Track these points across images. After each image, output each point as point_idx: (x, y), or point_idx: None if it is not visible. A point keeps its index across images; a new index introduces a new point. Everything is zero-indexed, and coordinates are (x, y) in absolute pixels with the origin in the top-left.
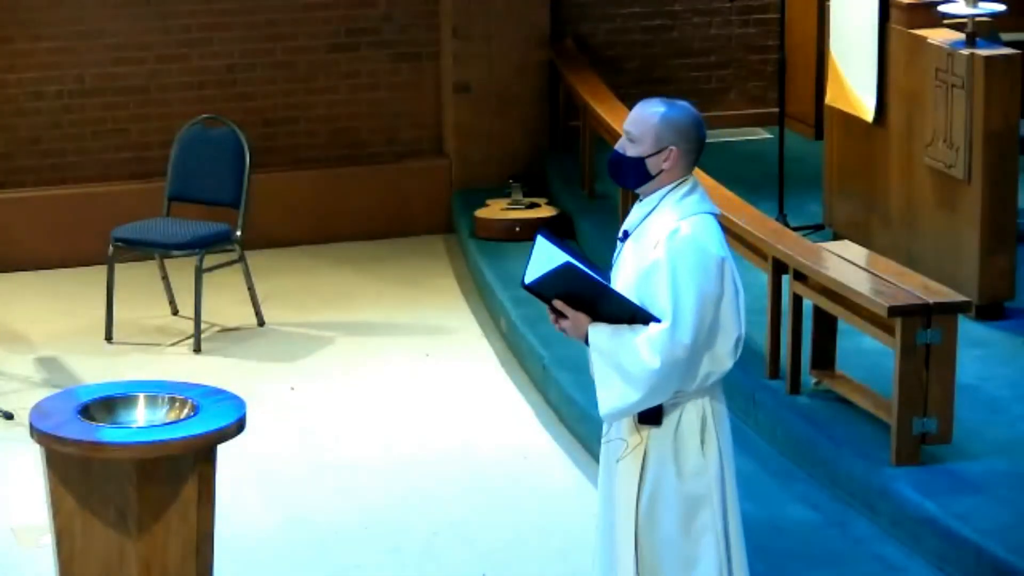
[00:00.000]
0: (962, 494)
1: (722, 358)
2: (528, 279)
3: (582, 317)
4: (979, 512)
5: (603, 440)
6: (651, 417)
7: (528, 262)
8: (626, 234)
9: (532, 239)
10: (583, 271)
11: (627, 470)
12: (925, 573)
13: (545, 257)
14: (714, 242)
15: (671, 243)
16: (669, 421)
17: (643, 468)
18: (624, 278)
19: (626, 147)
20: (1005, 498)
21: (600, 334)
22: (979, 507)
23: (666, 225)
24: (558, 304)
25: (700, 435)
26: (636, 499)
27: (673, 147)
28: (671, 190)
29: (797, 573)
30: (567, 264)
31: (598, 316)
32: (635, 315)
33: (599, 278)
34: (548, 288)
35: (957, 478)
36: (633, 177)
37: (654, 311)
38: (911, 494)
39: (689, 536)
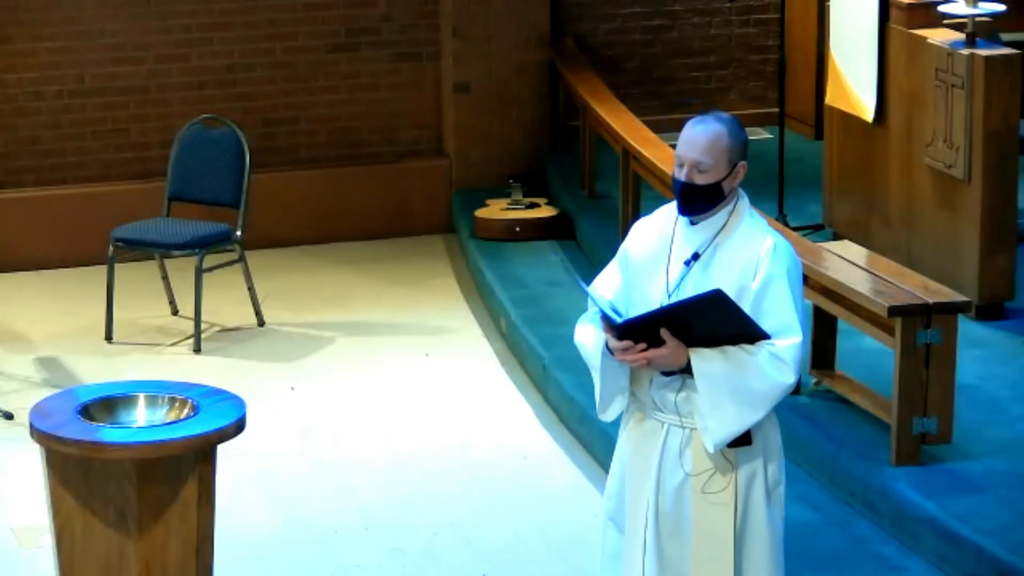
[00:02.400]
0: (962, 494)
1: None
2: (624, 317)
3: (682, 345)
4: (979, 512)
5: (690, 474)
6: (743, 438)
7: (600, 309)
8: (696, 256)
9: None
10: (729, 298)
11: (719, 500)
12: (925, 573)
13: (599, 297)
14: (795, 251)
15: (779, 256)
16: (757, 438)
17: (736, 494)
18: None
19: (694, 176)
20: (1005, 498)
21: (710, 359)
22: (979, 507)
23: (757, 239)
24: (664, 334)
25: (780, 449)
26: (733, 527)
27: (742, 162)
28: (735, 205)
29: (797, 573)
30: (718, 292)
31: (690, 343)
32: (753, 335)
33: (738, 307)
34: (655, 322)
35: (957, 478)
36: (708, 203)
37: (771, 325)
38: (911, 494)
39: (772, 553)
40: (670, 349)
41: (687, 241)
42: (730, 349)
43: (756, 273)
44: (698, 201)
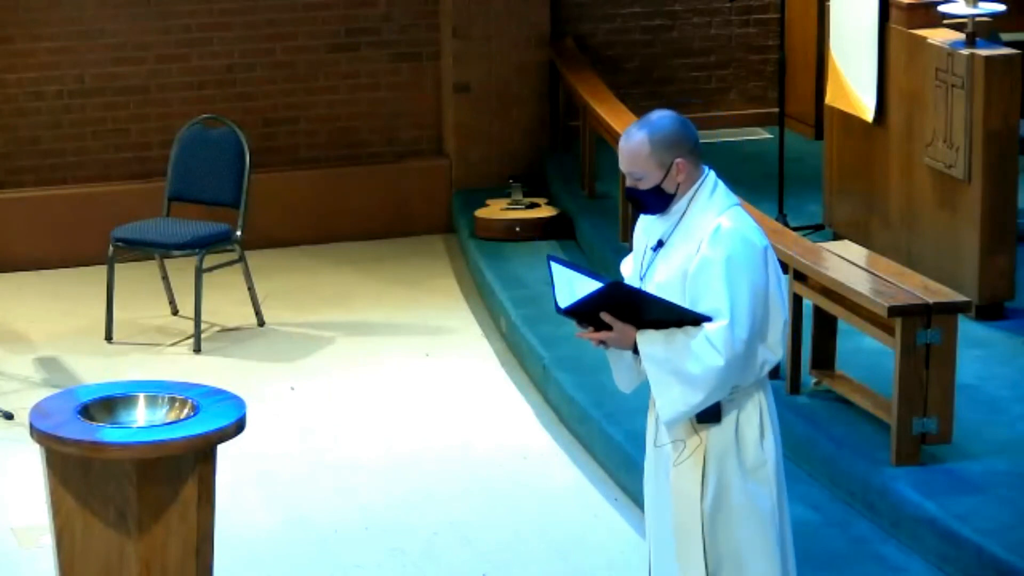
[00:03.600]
0: (962, 494)
1: (774, 346)
2: (563, 304)
3: (629, 328)
4: (979, 512)
5: (654, 445)
6: (711, 415)
7: (553, 288)
8: (660, 243)
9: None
10: (628, 286)
11: (687, 473)
12: (925, 573)
13: (564, 280)
14: (755, 232)
15: (717, 239)
16: (728, 417)
17: (704, 469)
18: (659, 284)
19: (636, 184)
20: (1005, 498)
21: (653, 341)
22: (979, 507)
23: (705, 224)
24: (606, 317)
25: (759, 429)
26: (700, 501)
27: (678, 159)
28: (696, 192)
29: (797, 573)
30: (613, 283)
31: (642, 324)
32: (683, 318)
33: (641, 289)
34: (589, 307)
35: (957, 478)
36: (658, 205)
37: (705, 308)
38: (911, 494)
39: (755, 530)
40: (617, 331)
41: (656, 228)
42: (674, 331)
43: (695, 256)
44: (647, 204)
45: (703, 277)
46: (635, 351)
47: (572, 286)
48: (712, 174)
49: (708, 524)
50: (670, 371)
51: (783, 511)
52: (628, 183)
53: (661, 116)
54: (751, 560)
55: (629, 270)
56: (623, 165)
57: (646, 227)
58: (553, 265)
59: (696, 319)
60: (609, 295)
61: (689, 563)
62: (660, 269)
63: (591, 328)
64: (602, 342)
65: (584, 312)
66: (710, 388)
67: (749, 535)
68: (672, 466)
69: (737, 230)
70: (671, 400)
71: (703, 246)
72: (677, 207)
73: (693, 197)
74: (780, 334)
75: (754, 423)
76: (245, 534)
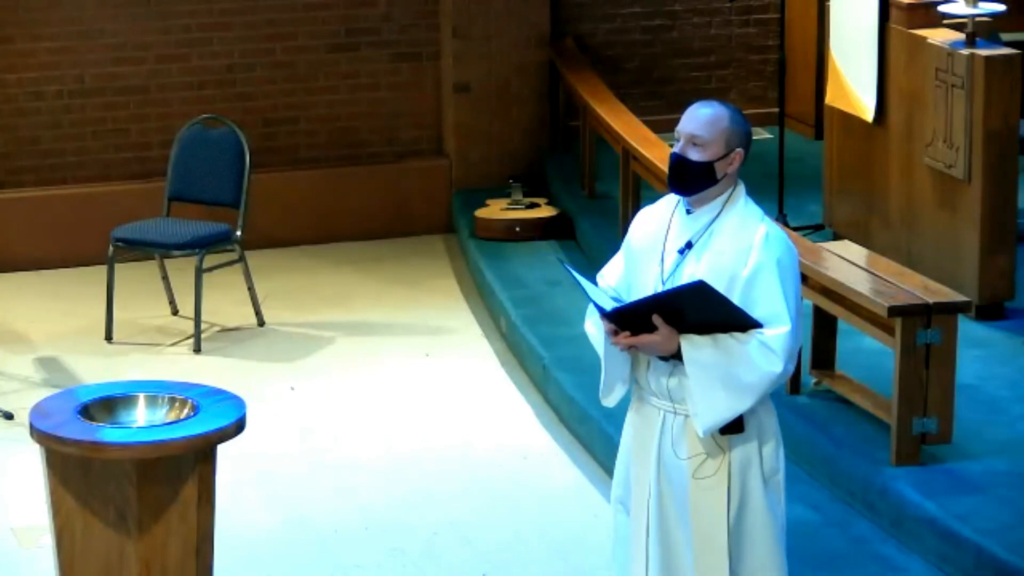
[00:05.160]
0: (962, 494)
1: (797, 354)
2: (608, 307)
3: (674, 332)
4: (979, 512)
5: (681, 459)
6: (735, 426)
7: (584, 292)
8: (689, 244)
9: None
10: (714, 289)
11: (712, 485)
12: (925, 573)
13: (587, 283)
14: (790, 240)
15: (771, 245)
16: (750, 427)
17: (729, 480)
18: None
19: (688, 151)
20: (1005, 498)
21: (700, 346)
22: (979, 507)
23: (750, 228)
24: (656, 320)
25: (776, 436)
26: (726, 515)
27: (740, 149)
28: (730, 196)
29: (797, 573)
30: (701, 283)
31: (683, 329)
32: (742, 323)
33: (722, 294)
34: (645, 309)
35: (957, 478)
36: (699, 182)
37: (761, 314)
38: (911, 494)
39: (775, 539)
40: (662, 335)
41: (683, 229)
42: (721, 337)
43: (747, 261)
44: (689, 178)
45: (760, 282)
46: (669, 357)
47: (592, 292)
48: (743, 185)
49: (734, 537)
50: (717, 377)
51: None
52: (682, 148)
53: (738, 109)
54: (765, 572)
55: (613, 278)
56: (691, 124)
57: (657, 227)
58: (573, 272)
59: (754, 325)
60: (693, 293)
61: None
62: (689, 271)
63: (626, 333)
64: (636, 346)
65: (635, 313)
66: (759, 394)
67: (768, 546)
68: (693, 479)
69: (783, 236)
70: (713, 407)
71: (756, 252)
72: (710, 207)
73: (727, 201)
74: (801, 341)
75: (771, 431)
76: (245, 534)
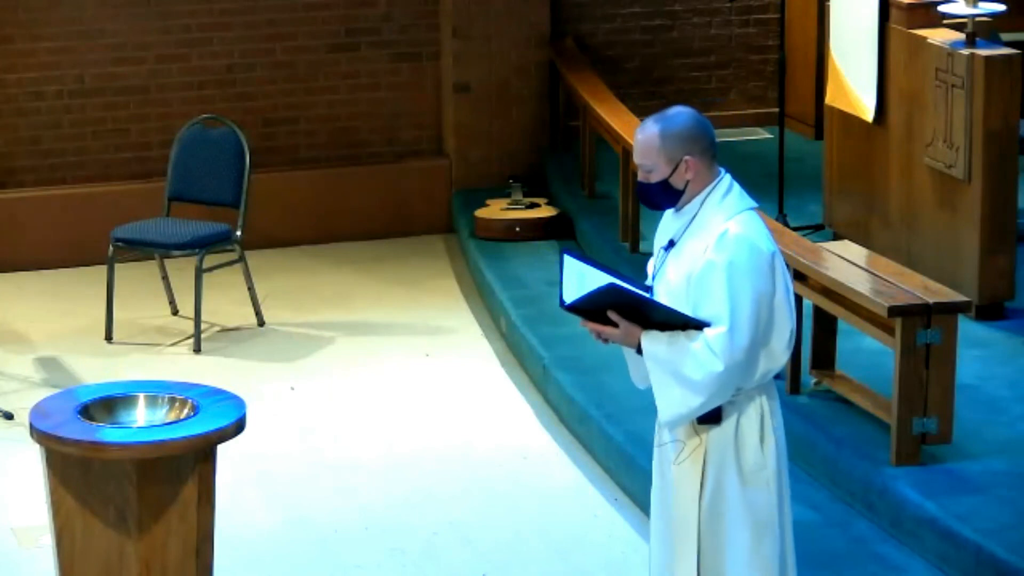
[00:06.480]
0: (962, 494)
1: (778, 354)
2: (568, 300)
3: (635, 327)
4: (979, 512)
5: (656, 445)
6: (711, 417)
7: (561, 283)
8: (671, 243)
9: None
10: (627, 289)
11: (686, 472)
12: (925, 573)
13: (575, 275)
14: (763, 238)
15: (723, 244)
16: (729, 420)
17: (704, 469)
18: (669, 286)
19: (647, 177)
20: (1005, 498)
21: (656, 343)
22: (979, 507)
23: (714, 227)
24: (612, 315)
25: (759, 432)
26: (698, 501)
27: (687, 157)
28: (709, 193)
29: (797, 573)
30: (611, 285)
31: (648, 324)
32: (686, 323)
33: (641, 292)
34: (591, 305)
35: (957, 478)
36: (666, 200)
37: (707, 313)
38: (911, 494)
39: (752, 534)
40: (621, 329)
41: (668, 228)
42: (678, 334)
43: (699, 259)
44: (653, 199)
45: (705, 281)
46: (639, 350)
47: (583, 280)
48: (728, 177)
49: (704, 526)
50: (670, 372)
51: (784, 520)
52: (639, 176)
53: (678, 112)
54: (735, 569)
55: (652, 268)
56: (635, 156)
57: (663, 226)
58: (566, 259)
59: (697, 325)
60: (607, 295)
61: (683, 561)
62: (671, 269)
63: (592, 323)
64: (603, 337)
65: (588, 309)
66: (709, 393)
67: (739, 544)
68: (673, 464)
69: (744, 235)
70: (671, 401)
71: (708, 250)
72: (689, 207)
73: (705, 199)
74: (786, 342)
75: (754, 426)
76: (245, 534)
